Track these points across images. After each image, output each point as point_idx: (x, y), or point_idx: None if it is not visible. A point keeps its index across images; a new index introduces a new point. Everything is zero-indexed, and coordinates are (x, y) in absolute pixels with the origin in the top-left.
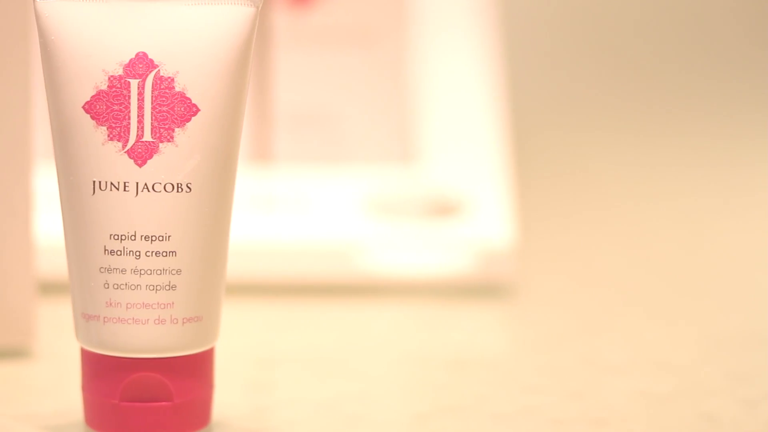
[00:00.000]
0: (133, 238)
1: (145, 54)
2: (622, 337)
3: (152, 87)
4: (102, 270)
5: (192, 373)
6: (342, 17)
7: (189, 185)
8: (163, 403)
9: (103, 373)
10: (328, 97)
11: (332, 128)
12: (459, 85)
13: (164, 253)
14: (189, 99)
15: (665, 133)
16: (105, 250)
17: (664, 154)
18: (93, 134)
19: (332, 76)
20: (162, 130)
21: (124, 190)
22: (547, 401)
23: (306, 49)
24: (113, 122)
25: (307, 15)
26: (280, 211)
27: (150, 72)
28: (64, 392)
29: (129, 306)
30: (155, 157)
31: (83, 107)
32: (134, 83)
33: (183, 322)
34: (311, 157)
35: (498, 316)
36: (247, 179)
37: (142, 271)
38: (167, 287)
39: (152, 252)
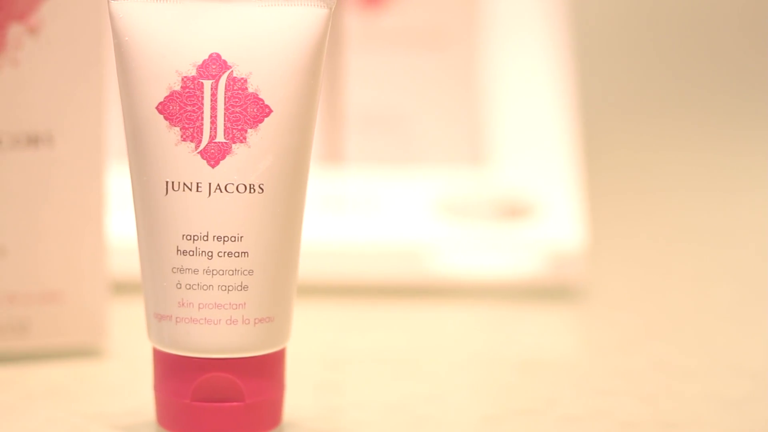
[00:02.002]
0: (205, 238)
1: (218, 55)
2: (694, 340)
3: (225, 88)
4: (174, 270)
5: (263, 373)
6: (413, 19)
7: (261, 186)
8: (235, 403)
9: (175, 373)
10: (399, 99)
11: (403, 130)
12: (529, 87)
13: (236, 254)
14: (262, 100)
15: (739, 133)
16: (177, 250)
17: (738, 155)
18: (166, 135)
19: (403, 77)
20: (235, 130)
21: (197, 190)
22: (618, 404)
23: (377, 51)
24: (186, 123)
25: (379, 16)
26: (350, 213)
27: (223, 73)
28: (136, 392)
29: (201, 306)
30: (228, 157)
31: (156, 108)
32: (207, 84)
33: (255, 323)
34: (382, 158)
35: (568, 318)
36: (318, 180)
37: (215, 272)
38: (239, 288)
39: (224, 252)
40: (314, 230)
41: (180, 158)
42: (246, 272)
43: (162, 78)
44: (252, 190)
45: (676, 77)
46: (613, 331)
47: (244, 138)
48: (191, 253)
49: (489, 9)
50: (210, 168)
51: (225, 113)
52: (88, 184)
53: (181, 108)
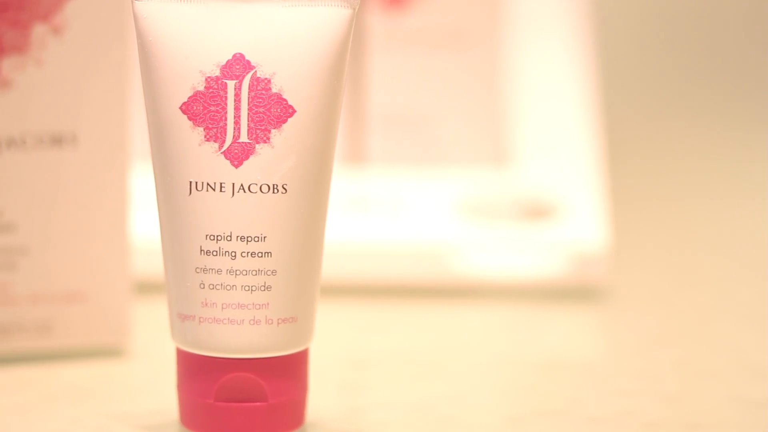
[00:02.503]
0: (228, 238)
1: (242, 55)
2: (717, 341)
3: (249, 88)
4: (198, 270)
5: (286, 373)
6: (436, 19)
7: (285, 186)
8: (258, 403)
9: (198, 373)
10: (423, 99)
11: (426, 130)
12: (553, 87)
13: (260, 254)
14: (285, 100)
15: (764, 136)
16: (201, 250)
17: (762, 158)
18: (190, 135)
19: (426, 77)
20: (258, 131)
21: (221, 190)
22: (642, 405)
23: (400, 51)
24: (210, 123)
25: (402, 17)
26: (373, 213)
27: (247, 73)
28: (160, 391)
29: (224, 306)
30: (251, 157)
31: (180, 108)
32: (231, 84)
33: (278, 323)
34: (405, 158)
35: (592, 319)
36: (341, 180)
37: (238, 272)
38: (262, 288)
39: (248, 252)
40: (337, 230)
41: (203, 158)
42: (269, 272)
43: (186, 78)
44: (275, 191)
45: (699, 78)
46: (636, 332)
47: (268, 138)
48: (214, 253)
49: (512, 9)
50: (233, 168)
51: (248, 113)
52: (112, 184)
53: (204, 108)
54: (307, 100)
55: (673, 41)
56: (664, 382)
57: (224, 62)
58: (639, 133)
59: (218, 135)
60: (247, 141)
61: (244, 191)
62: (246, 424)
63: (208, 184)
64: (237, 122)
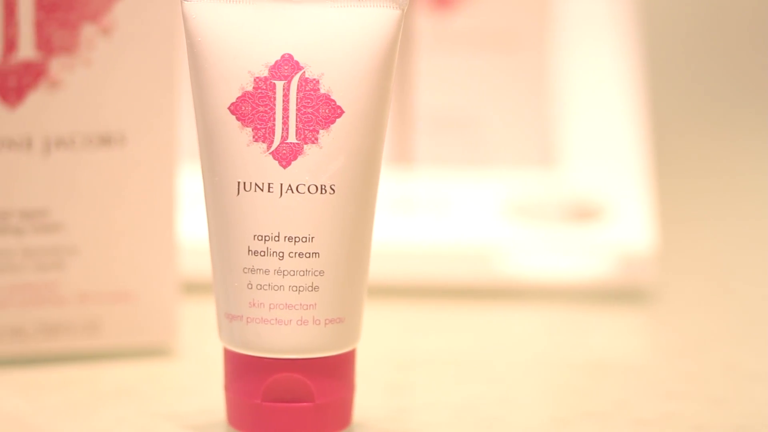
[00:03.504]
0: (276, 239)
1: (290, 56)
2: (765, 342)
3: (297, 89)
4: (245, 270)
5: (333, 374)
6: (484, 20)
7: (333, 187)
8: (305, 403)
9: (246, 373)
10: (470, 100)
11: (473, 131)
12: (600, 89)
13: (307, 254)
14: (334, 101)
15: None
16: (249, 250)
17: None
18: (238, 135)
19: (474, 79)
20: (306, 131)
21: (269, 191)
22: (689, 407)
23: (448, 52)
24: (258, 123)
25: (450, 18)
26: (420, 214)
27: (295, 74)
28: (207, 391)
29: (272, 307)
30: (299, 158)
31: (229, 108)
32: (279, 85)
33: (325, 323)
34: (452, 160)
35: (639, 320)
36: (388, 182)
37: (286, 272)
38: (310, 288)
39: (295, 253)
40: (384, 231)
41: (252, 159)
42: (317, 273)
43: (234, 78)
44: (323, 191)
45: (746, 79)
46: (683, 334)
47: (316, 139)
48: (262, 253)
49: (560, 11)
50: (282, 168)
51: (297, 114)
52: (160, 184)
53: (253, 108)
54: (356, 101)
55: (721, 42)
56: (711, 384)
57: (273, 63)
58: (686, 135)
59: (266, 135)
60: (296, 141)
61: (292, 192)
62: (293, 424)
63: (256, 184)
64: (285, 123)
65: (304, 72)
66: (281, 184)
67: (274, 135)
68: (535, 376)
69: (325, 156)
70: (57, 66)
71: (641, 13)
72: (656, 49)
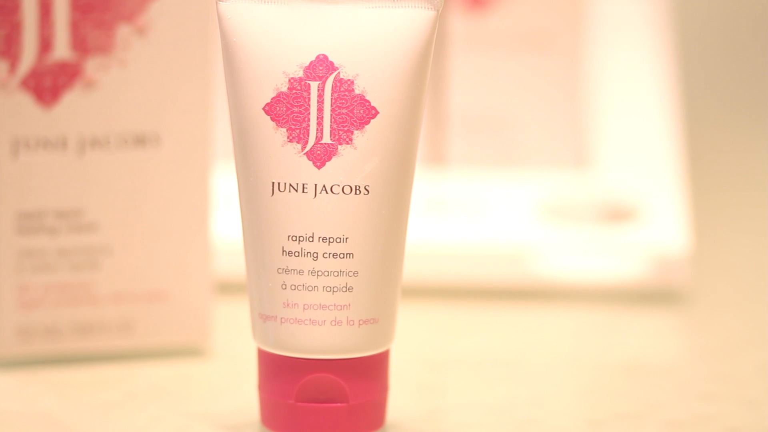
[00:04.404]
0: (311, 239)
1: (325, 56)
2: None
3: (332, 89)
4: (280, 271)
5: (367, 374)
6: (518, 21)
7: (367, 187)
8: (339, 404)
9: (280, 374)
10: (504, 101)
11: (507, 132)
12: (633, 90)
13: (342, 255)
14: (368, 102)
15: None
16: (283, 251)
17: None
18: (273, 136)
19: (508, 80)
20: (341, 132)
21: (303, 191)
22: (723, 409)
23: (481, 53)
24: (293, 124)
25: (484, 18)
26: (453, 215)
27: (330, 74)
28: (241, 391)
29: (306, 307)
30: (334, 159)
31: (263, 108)
32: (314, 85)
33: (359, 324)
34: (485, 160)
35: (673, 322)
36: (421, 182)
37: (320, 273)
38: (344, 289)
39: (330, 253)
40: (417, 232)
41: (286, 159)
42: (351, 273)
43: (269, 79)
44: (358, 192)
45: None
46: (718, 335)
47: (351, 139)
48: (296, 253)
49: (593, 12)
50: (316, 169)
51: (331, 114)
52: (195, 184)
53: (287, 109)
54: (390, 102)
55: (755, 43)
56: (745, 385)
57: (307, 63)
58: (720, 136)
59: (301, 136)
60: (330, 142)
61: (327, 192)
62: (326, 424)
63: (290, 184)
64: (320, 123)
65: (339, 72)
66: (315, 185)
67: (308, 135)
68: (569, 377)
69: (360, 157)
70: (92, 66)
71: (675, 13)
72: (690, 50)
